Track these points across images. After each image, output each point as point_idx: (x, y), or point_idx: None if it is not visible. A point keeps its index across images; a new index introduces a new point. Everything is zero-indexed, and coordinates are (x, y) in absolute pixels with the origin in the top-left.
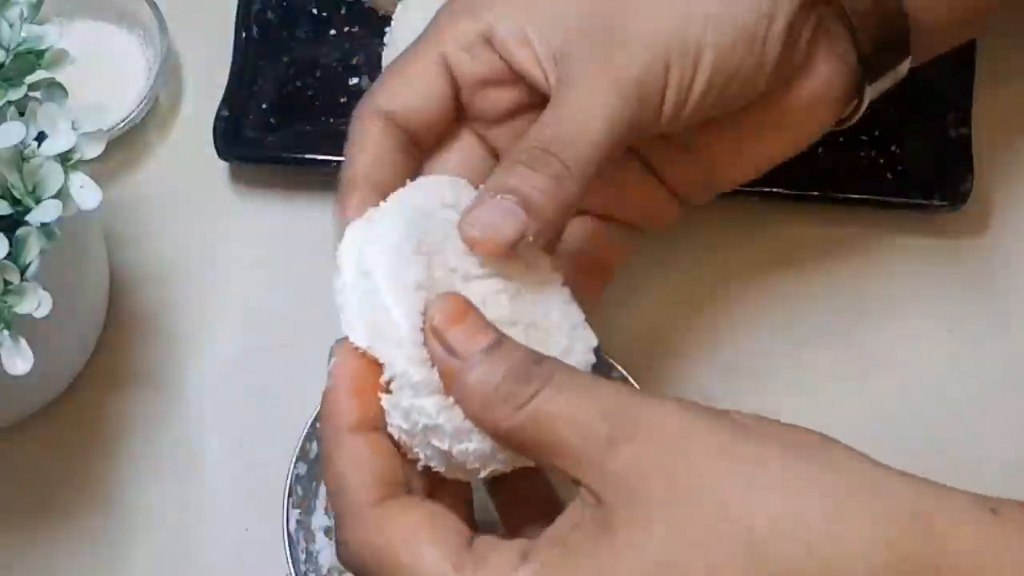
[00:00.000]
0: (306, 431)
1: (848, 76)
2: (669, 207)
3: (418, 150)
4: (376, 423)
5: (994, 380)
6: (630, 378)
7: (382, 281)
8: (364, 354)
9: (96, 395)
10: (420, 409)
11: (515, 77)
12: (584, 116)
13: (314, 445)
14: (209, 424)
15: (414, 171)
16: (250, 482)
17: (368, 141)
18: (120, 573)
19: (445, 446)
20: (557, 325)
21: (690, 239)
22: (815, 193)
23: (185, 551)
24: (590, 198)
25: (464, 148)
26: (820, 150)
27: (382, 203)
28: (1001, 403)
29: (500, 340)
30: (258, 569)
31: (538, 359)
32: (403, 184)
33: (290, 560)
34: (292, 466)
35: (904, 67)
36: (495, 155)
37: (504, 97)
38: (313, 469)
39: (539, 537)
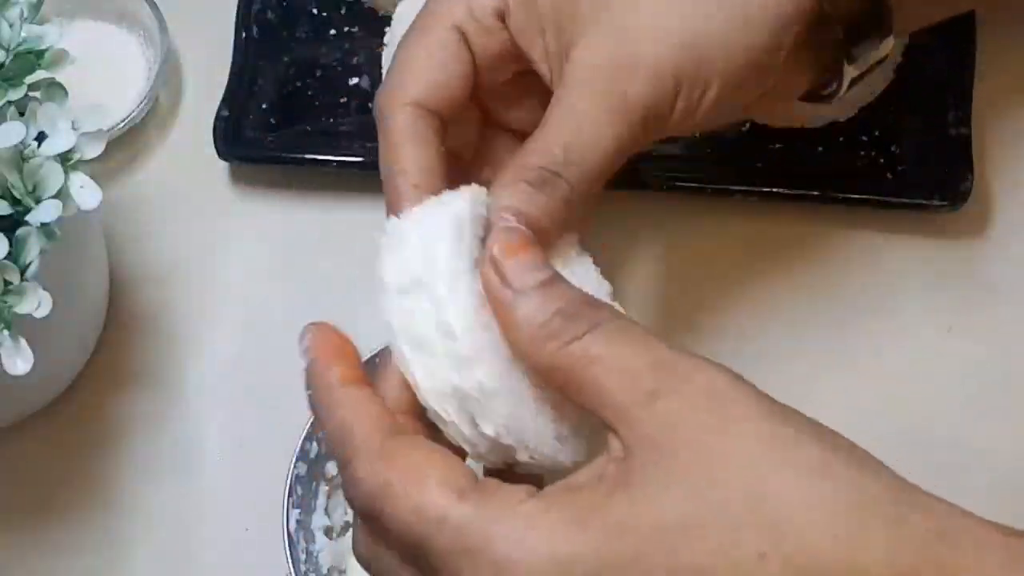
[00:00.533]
0: (306, 431)
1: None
2: None
3: (444, 127)
4: (365, 381)
5: (994, 380)
6: None
7: (441, 280)
8: (336, 331)
9: (96, 395)
10: (479, 387)
11: (524, 61)
12: (593, 141)
13: (314, 445)
14: (209, 424)
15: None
16: (250, 482)
17: (406, 134)
18: (120, 573)
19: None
20: None
21: (688, 239)
22: (815, 193)
23: (185, 551)
24: None
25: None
26: (820, 150)
27: (422, 207)
28: (1001, 402)
29: (555, 277)
30: (258, 569)
31: (593, 302)
32: (445, 171)
33: (290, 560)
34: (292, 466)
35: (887, 45)
36: (501, 128)
37: (511, 74)
38: (313, 469)
39: (555, 483)
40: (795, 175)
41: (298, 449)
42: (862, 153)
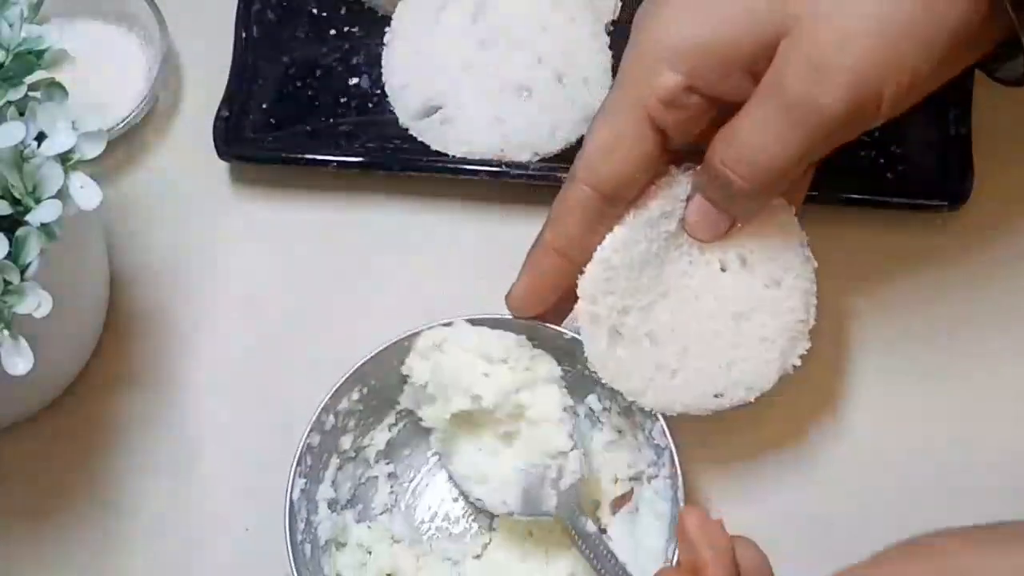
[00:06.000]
0: (324, 403)
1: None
2: None
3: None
4: None
5: (994, 380)
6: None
7: None
8: None
9: (96, 395)
10: None
11: (716, 105)
12: (771, 147)
13: (330, 417)
14: (209, 424)
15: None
16: (250, 482)
17: (575, 209)
18: (120, 573)
19: None
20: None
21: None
22: (815, 193)
23: (185, 551)
24: None
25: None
26: None
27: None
28: (1001, 403)
29: None
30: (258, 569)
31: None
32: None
33: (287, 527)
34: (305, 435)
35: None
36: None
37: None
38: (326, 441)
39: None
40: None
41: (314, 419)
42: (862, 153)
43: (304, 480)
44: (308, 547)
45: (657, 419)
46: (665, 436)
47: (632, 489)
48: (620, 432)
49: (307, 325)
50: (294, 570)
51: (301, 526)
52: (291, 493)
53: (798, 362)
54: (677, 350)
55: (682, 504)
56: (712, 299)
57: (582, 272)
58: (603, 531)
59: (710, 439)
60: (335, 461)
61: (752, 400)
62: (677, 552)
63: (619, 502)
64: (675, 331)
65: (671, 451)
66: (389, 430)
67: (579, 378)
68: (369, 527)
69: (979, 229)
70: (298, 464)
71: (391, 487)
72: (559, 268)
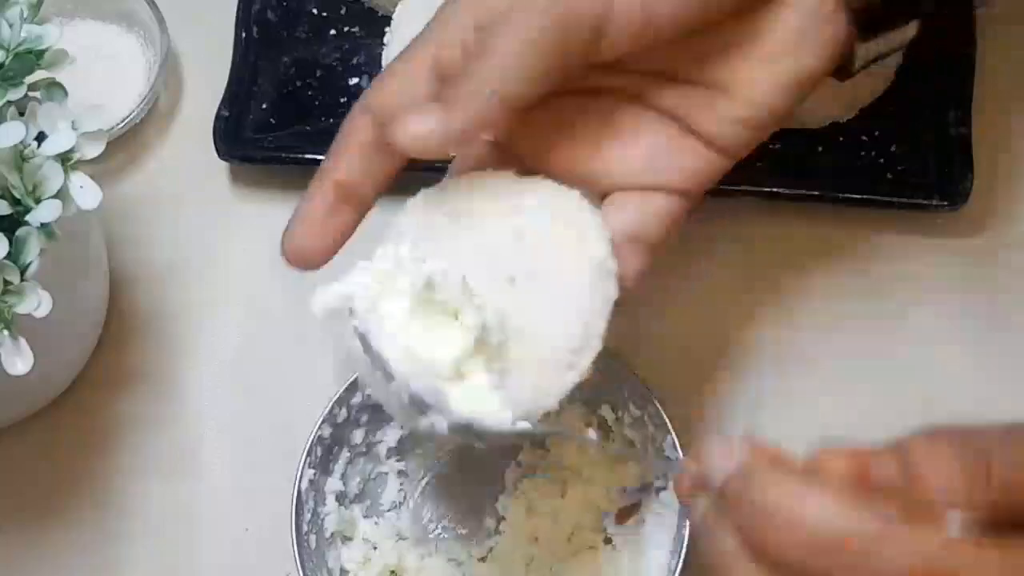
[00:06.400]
0: (337, 395)
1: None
2: (708, 160)
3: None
4: None
5: (994, 379)
6: (631, 374)
7: None
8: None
9: (96, 395)
10: None
11: None
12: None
13: (343, 410)
14: (209, 424)
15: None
16: (250, 482)
17: (352, 140)
18: (120, 573)
19: None
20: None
21: (688, 239)
22: (815, 193)
23: (185, 551)
24: (621, 156)
25: None
26: (820, 150)
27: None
28: (1001, 403)
29: None
30: (258, 569)
31: None
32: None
33: (293, 518)
34: (316, 427)
35: (909, 30)
36: None
37: None
38: (337, 433)
39: None
40: (795, 175)
41: (326, 411)
42: (862, 153)
43: (313, 471)
44: (313, 538)
45: (669, 432)
46: (676, 449)
47: (639, 500)
48: (631, 443)
49: (307, 325)
50: (297, 560)
51: (308, 517)
52: (299, 483)
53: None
54: None
55: (688, 517)
56: None
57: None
58: (608, 541)
59: None
60: (345, 454)
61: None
62: (681, 564)
63: (626, 513)
64: None
65: (681, 464)
66: (401, 427)
67: (592, 388)
68: (376, 523)
69: (979, 229)
70: (308, 455)
71: (400, 484)
72: (339, 208)
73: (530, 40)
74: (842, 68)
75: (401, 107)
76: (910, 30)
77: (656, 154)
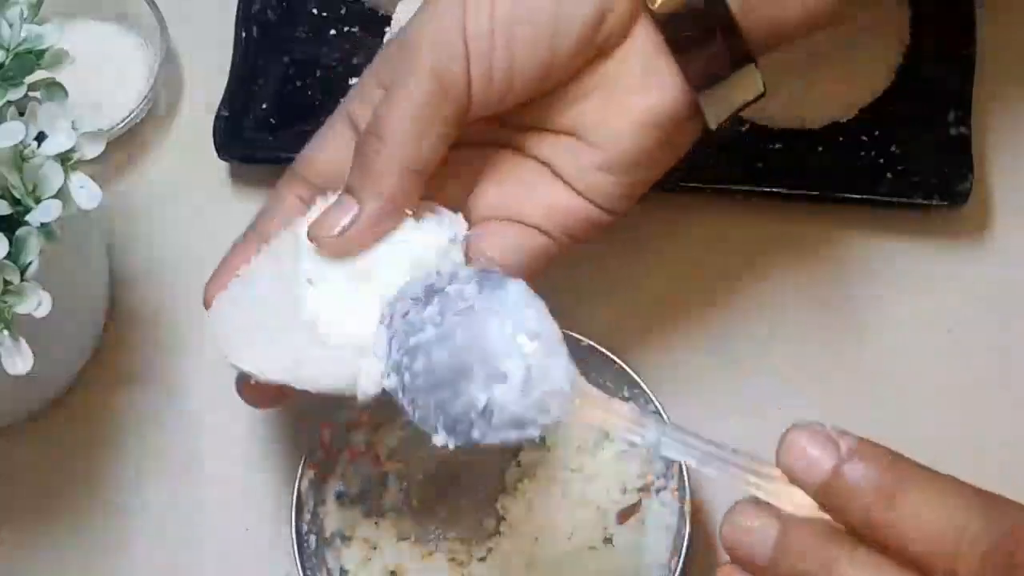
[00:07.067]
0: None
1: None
2: (575, 206)
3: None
4: None
5: (993, 380)
6: (630, 370)
7: None
8: None
9: (96, 395)
10: None
11: None
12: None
13: (344, 412)
14: (209, 424)
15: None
16: (250, 482)
17: (279, 208)
18: (120, 573)
19: None
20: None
21: (689, 238)
22: (815, 193)
23: (185, 551)
24: (497, 191)
25: None
26: (820, 150)
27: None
28: (1000, 402)
29: None
30: (258, 569)
31: None
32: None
33: (293, 516)
34: (317, 427)
35: (750, 88)
36: None
37: None
38: (338, 435)
39: None
40: (795, 175)
41: (326, 412)
42: (862, 153)
43: (313, 471)
44: (313, 538)
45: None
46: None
47: (640, 500)
48: (631, 443)
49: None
50: (297, 560)
51: (307, 517)
52: (299, 483)
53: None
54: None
55: (688, 517)
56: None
57: None
58: (608, 541)
59: None
60: (345, 455)
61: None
62: (681, 564)
63: (627, 513)
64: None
65: (681, 464)
66: (402, 428)
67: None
68: (377, 523)
69: (979, 229)
70: (308, 455)
71: (400, 484)
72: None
73: (417, 110)
74: (707, 130)
75: (316, 208)
76: (751, 88)
77: (523, 191)
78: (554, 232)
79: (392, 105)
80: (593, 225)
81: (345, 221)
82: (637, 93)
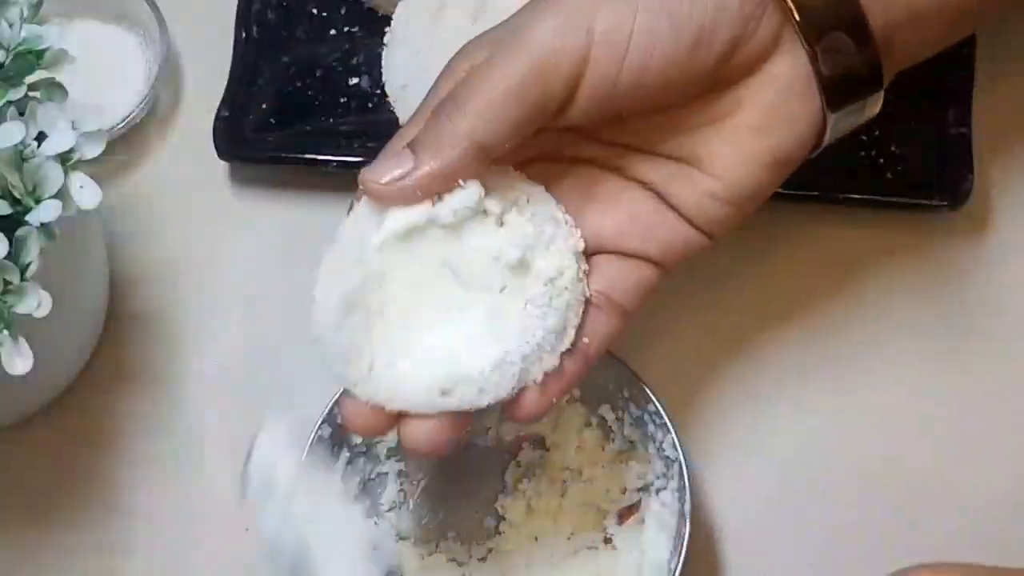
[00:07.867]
0: (338, 395)
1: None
2: (686, 236)
3: None
4: None
5: (994, 380)
6: (630, 369)
7: None
8: None
9: (96, 395)
10: None
11: None
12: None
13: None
14: (209, 424)
15: None
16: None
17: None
18: (120, 573)
19: None
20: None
21: None
22: (815, 193)
23: (185, 551)
24: (600, 221)
25: None
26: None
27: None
28: (1001, 402)
29: None
30: (258, 569)
31: None
32: None
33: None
34: (316, 427)
35: (875, 103)
36: None
37: None
38: (337, 434)
39: None
40: (795, 175)
41: (326, 411)
42: (862, 153)
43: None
44: None
45: (669, 431)
46: (676, 448)
47: (640, 500)
48: (631, 443)
49: (307, 324)
50: None
51: None
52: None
53: (540, 377)
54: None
55: (688, 517)
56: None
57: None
58: (608, 541)
59: (721, 451)
60: (345, 454)
61: (485, 405)
62: (681, 564)
63: (626, 513)
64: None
65: (681, 464)
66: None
67: (592, 388)
68: (376, 523)
69: (979, 229)
70: (308, 455)
71: (400, 484)
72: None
73: (508, 87)
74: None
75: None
76: (876, 104)
77: (634, 222)
78: (667, 264)
79: (482, 77)
80: (695, 252)
81: (397, 172)
82: (765, 131)
